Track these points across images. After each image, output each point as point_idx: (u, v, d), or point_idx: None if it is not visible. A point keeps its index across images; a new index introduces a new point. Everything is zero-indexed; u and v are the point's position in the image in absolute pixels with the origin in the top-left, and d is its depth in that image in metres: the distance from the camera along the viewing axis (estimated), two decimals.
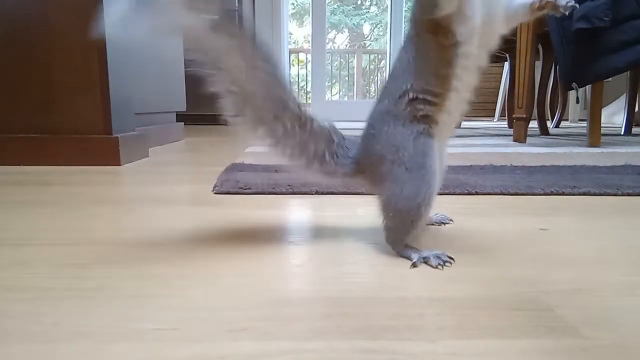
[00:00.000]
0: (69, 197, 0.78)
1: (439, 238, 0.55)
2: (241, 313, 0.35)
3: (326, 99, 4.15)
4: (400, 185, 0.45)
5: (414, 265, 0.44)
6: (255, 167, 1.05)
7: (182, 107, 1.93)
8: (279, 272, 0.45)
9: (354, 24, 5.28)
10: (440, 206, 0.72)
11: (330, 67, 4.71)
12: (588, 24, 1.38)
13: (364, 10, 5.26)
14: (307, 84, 4.84)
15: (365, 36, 5.43)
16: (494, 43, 0.45)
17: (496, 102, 3.69)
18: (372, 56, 5.10)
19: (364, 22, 5.30)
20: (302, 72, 4.98)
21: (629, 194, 0.80)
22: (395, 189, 0.45)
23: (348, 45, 5.31)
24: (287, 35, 4.01)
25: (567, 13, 0.44)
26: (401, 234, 0.46)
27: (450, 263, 0.44)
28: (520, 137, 1.76)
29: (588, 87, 1.58)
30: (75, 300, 0.37)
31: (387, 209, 0.47)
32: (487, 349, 0.30)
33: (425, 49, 0.44)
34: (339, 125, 0.52)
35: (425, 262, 0.44)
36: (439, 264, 0.43)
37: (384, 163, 0.46)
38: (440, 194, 0.82)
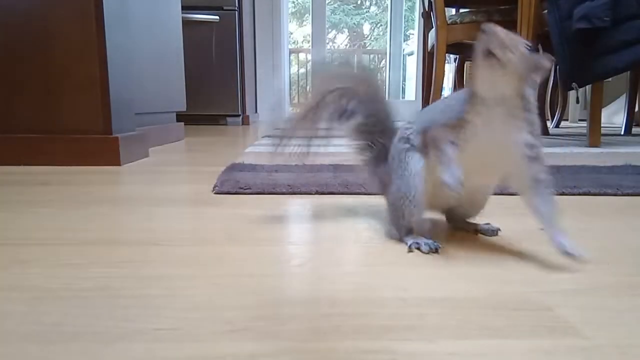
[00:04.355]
0: (68, 197, 0.78)
1: (438, 234, 0.55)
2: (241, 313, 0.35)
3: None
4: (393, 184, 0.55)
5: (409, 249, 0.50)
6: (255, 167, 1.05)
7: (182, 107, 1.93)
8: (279, 272, 0.45)
9: (354, 23, 5.28)
10: None
11: None
12: (588, 24, 1.37)
13: (364, 10, 5.26)
14: (307, 83, 4.84)
15: (365, 36, 5.42)
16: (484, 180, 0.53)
17: None
18: (372, 56, 5.10)
19: (364, 21, 5.30)
20: (302, 71, 4.99)
21: (629, 194, 0.80)
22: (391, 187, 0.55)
23: (348, 45, 5.31)
24: (287, 35, 4.01)
25: None
26: (397, 223, 0.54)
27: (438, 251, 0.49)
28: None
29: (588, 87, 1.57)
30: (75, 300, 0.37)
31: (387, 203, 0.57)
32: (487, 349, 0.30)
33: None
34: None
35: (418, 249, 0.50)
36: (430, 250, 0.49)
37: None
38: None
